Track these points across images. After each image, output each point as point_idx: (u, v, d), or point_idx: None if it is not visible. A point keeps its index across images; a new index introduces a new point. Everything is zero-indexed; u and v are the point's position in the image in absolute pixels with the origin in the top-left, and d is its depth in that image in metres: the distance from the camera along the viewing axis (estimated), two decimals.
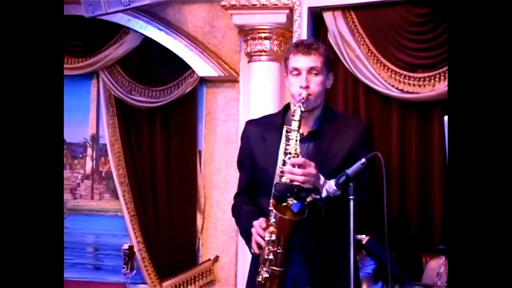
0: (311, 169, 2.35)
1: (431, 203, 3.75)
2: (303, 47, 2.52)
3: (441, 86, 3.65)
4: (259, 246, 2.38)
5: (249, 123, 2.75)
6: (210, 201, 4.49)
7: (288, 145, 2.40)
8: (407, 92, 3.76)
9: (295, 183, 2.34)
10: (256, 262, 2.45)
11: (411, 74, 3.76)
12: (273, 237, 2.32)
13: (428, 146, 3.79)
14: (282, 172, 2.39)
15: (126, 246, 4.14)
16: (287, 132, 2.42)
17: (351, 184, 2.23)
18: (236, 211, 2.71)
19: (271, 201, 2.37)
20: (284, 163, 2.40)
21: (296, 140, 2.39)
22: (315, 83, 2.49)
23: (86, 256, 4.77)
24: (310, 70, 2.49)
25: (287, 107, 2.65)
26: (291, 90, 2.54)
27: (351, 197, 2.21)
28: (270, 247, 2.33)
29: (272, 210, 2.35)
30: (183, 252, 4.47)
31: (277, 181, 2.40)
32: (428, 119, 3.79)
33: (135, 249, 4.30)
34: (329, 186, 2.29)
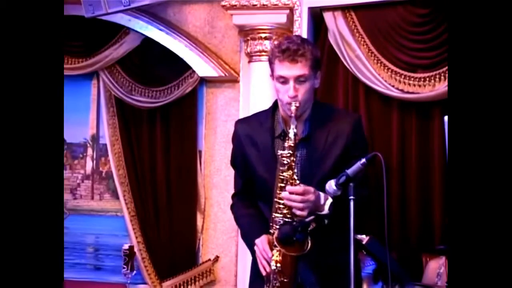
0: (310, 195, 2.30)
1: (431, 203, 3.75)
2: (289, 54, 2.38)
3: (441, 86, 3.65)
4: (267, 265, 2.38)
5: (239, 123, 2.68)
6: (210, 201, 4.49)
7: (284, 171, 2.35)
8: (407, 92, 3.76)
9: (294, 210, 2.31)
10: (256, 264, 2.45)
11: (411, 74, 3.76)
12: (279, 266, 2.31)
13: (428, 146, 3.79)
14: (280, 198, 2.35)
15: (126, 246, 4.14)
16: (281, 156, 2.35)
17: (351, 184, 2.23)
18: (235, 213, 2.70)
19: (274, 236, 2.34)
20: (281, 189, 2.35)
21: (292, 166, 2.34)
22: (304, 91, 2.40)
23: (86, 256, 4.77)
24: (297, 78, 2.39)
25: (275, 105, 2.57)
26: (278, 96, 2.47)
27: (351, 197, 2.20)
28: (277, 276, 2.32)
29: (274, 242, 2.33)
30: (183, 252, 4.47)
31: (278, 219, 2.35)
32: (428, 119, 3.79)
33: (135, 249, 4.30)
34: (329, 186, 2.28)
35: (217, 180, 4.47)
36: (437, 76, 3.69)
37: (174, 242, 4.47)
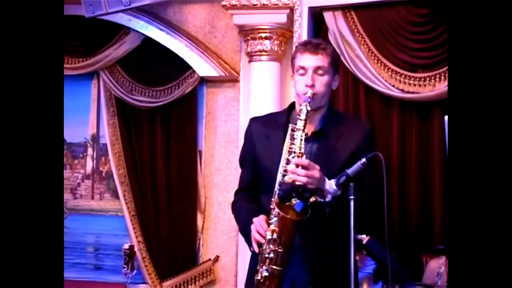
0: (315, 172, 2.31)
1: (431, 203, 3.75)
2: (311, 46, 2.50)
3: (441, 86, 3.65)
4: (259, 244, 2.37)
5: (253, 120, 2.72)
6: (210, 201, 4.49)
7: (293, 144, 2.38)
8: (408, 92, 3.76)
9: (298, 183, 2.31)
10: (255, 260, 2.44)
11: (412, 74, 3.76)
12: (274, 236, 2.30)
13: (428, 146, 3.79)
14: (285, 170, 2.37)
15: (126, 246, 4.15)
16: (292, 131, 2.40)
17: (351, 184, 2.22)
18: (236, 208, 2.69)
19: (274, 199, 2.36)
20: (288, 162, 2.37)
21: (301, 140, 2.37)
22: (321, 82, 2.48)
23: (86, 256, 4.77)
24: (316, 70, 2.47)
25: (292, 106, 2.63)
26: (296, 89, 2.52)
27: (351, 197, 2.20)
28: (271, 246, 2.31)
29: (274, 208, 2.34)
30: (183, 252, 4.48)
31: (281, 180, 2.38)
32: (428, 119, 3.79)
33: (136, 249, 4.30)
34: (330, 186, 2.29)
35: (217, 180, 4.47)
36: (437, 76, 3.69)
37: (174, 242, 4.47)
